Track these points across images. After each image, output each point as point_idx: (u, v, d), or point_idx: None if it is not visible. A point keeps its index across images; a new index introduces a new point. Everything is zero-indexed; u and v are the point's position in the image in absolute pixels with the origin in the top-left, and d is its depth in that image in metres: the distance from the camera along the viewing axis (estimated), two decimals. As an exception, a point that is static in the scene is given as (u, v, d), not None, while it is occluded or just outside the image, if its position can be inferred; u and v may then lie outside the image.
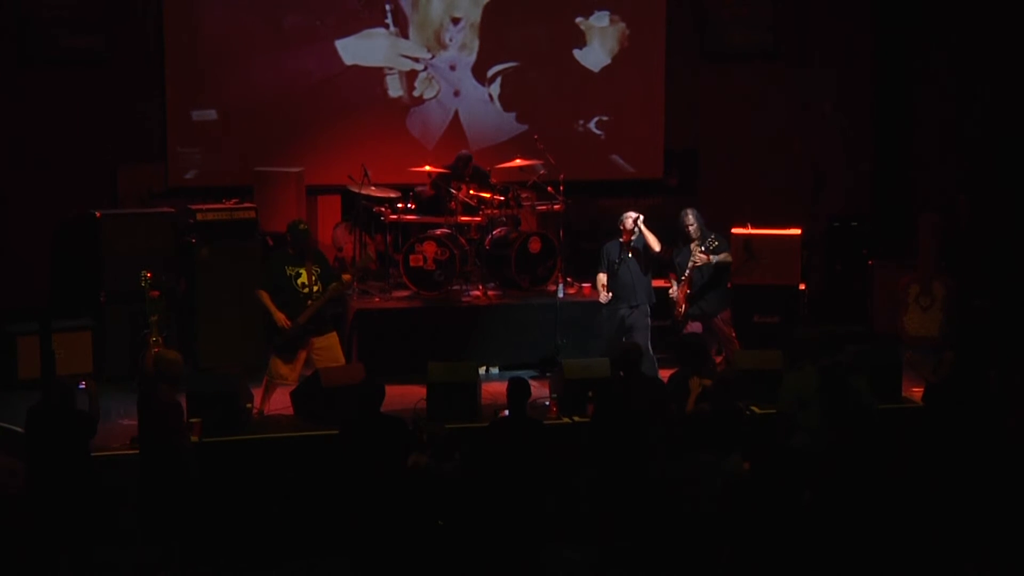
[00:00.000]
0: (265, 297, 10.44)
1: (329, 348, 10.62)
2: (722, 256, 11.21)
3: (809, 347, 9.26)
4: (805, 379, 9.02)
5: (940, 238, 13.05)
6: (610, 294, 11.06)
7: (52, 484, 8.21)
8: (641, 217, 11.05)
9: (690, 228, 11.19)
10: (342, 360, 10.75)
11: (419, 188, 12.83)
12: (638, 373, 9.10)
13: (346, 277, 10.75)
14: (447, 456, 8.56)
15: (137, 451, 8.82)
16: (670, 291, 11.22)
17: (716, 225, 11.69)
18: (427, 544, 8.31)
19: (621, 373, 9.21)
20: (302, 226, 10.71)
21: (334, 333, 10.76)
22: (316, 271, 10.55)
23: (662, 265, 11.47)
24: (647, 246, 11.03)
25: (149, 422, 8.58)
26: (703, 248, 11.08)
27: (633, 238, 11.04)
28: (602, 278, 11.14)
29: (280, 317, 10.38)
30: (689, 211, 11.29)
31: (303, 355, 10.58)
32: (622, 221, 11.10)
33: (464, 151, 12.94)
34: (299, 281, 10.48)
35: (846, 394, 8.73)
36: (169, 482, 8.36)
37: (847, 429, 8.58)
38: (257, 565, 9.00)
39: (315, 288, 10.48)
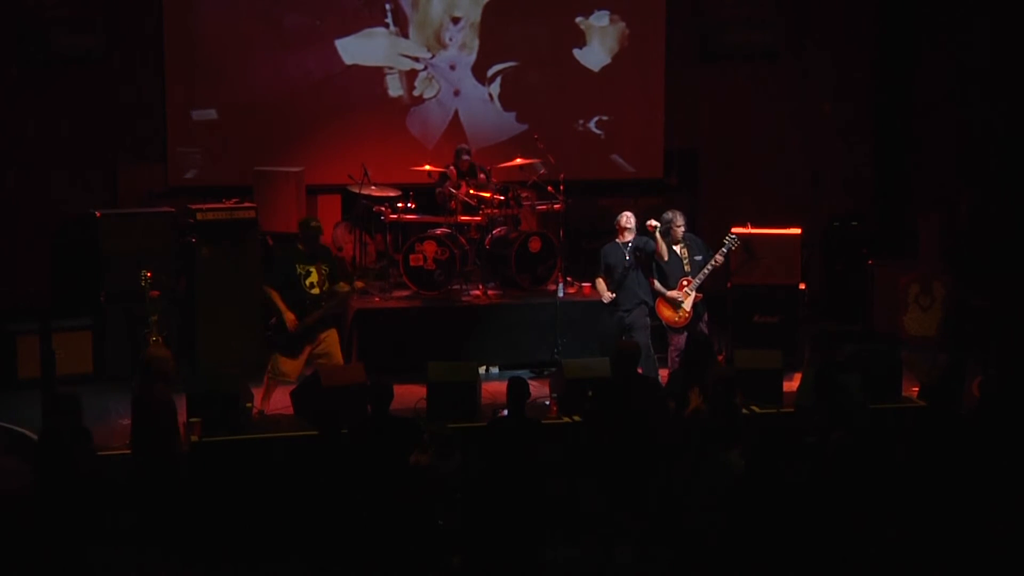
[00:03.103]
0: (275, 295, 10.43)
1: (329, 345, 10.63)
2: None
3: (829, 343, 9.30)
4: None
5: (940, 238, 13.05)
6: (613, 294, 11.03)
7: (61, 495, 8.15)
8: (660, 226, 10.96)
9: (679, 229, 11.14)
10: (339, 357, 10.74)
11: (438, 190, 12.80)
12: (635, 373, 9.07)
13: (359, 283, 10.78)
14: (447, 456, 8.56)
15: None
16: (675, 298, 11.08)
17: (716, 225, 11.70)
18: (427, 544, 8.31)
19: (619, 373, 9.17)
20: (314, 223, 10.71)
21: (334, 330, 10.76)
22: (325, 270, 10.56)
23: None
24: (657, 254, 10.98)
25: (144, 422, 8.57)
26: (714, 259, 11.07)
27: (632, 241, 10.99)
28: (601, 283, 11.11)
29: (290, 317, 10.37)
30: (677, 212, 11.23)
31: (307, 353, 10.58)
32: (617, 221, 11.07)
33: (462, 144, 12.95)
34: (308, 280, 10.48)
35: (836, 393, 8.74)
36: (161, 482, 8.35)
37: (841, 427, 8.59)
38: (257, 565, 9.00)
39: (325, 287, 10.50)
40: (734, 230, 11.52)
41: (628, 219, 11.03)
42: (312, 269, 10.50)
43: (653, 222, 10.92)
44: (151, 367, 8.76)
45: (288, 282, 10.45)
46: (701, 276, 11.01)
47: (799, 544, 8.00)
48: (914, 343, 12.69)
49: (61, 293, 13.00)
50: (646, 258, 11.02)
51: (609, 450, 8.60)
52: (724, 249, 11.09)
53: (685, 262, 11.10)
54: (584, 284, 12.53)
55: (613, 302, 11.02)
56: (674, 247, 11.10)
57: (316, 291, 10.48)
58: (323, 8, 13.79)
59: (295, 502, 9.35)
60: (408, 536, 8.26)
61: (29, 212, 13.26)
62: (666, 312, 11.09)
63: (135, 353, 11.38)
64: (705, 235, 11.71)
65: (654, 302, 11.09)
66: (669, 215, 11.13)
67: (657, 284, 11.09)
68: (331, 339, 10.66)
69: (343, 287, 10.65)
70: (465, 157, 12.75)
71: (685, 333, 10.97)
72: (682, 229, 11.12)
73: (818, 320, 12.67)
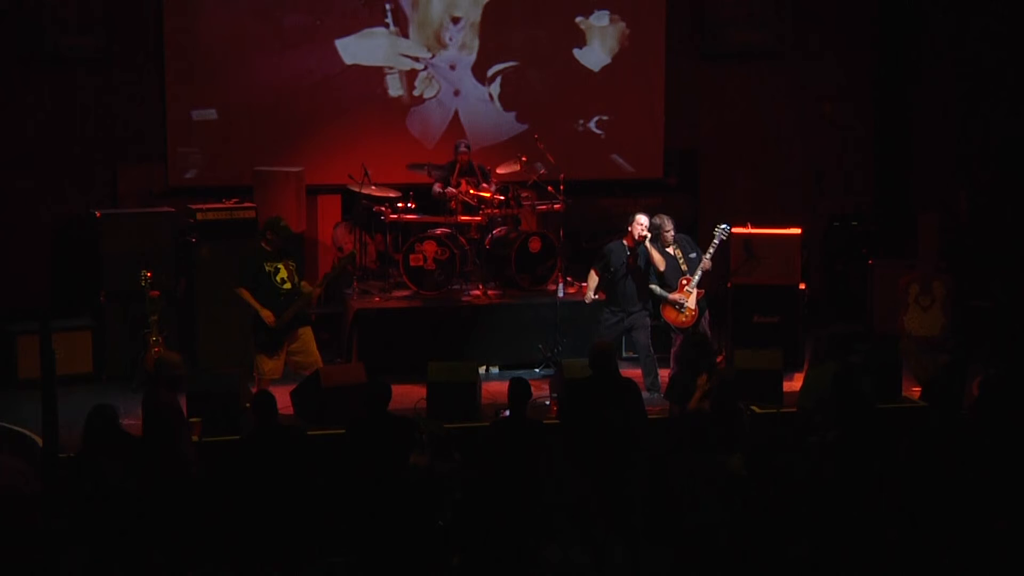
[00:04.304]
0: (247, 295, 10.48)
1: (305, 341, 10.68)
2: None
3: (835, 345, 9.28)
4: (827, 376, 9.03)
5: (940, 238, 13.04)
6: (596, 296, 11.05)
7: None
8: (650, 236, 10.97)
9: (668, 234, 11.12)
10: (316, 354, 10.77)
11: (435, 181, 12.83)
12: (610, 372, 8.99)
13: (317, 291, 10.87)
14: (447, 456, 8.56)
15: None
16: (678, 300, 11.03)
17: (716, 225, 11.70)
18: (427, 544, 8.31)
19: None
20: (283, 223, 10.74)
21: (309, 327, 10.80)
22: (292, 266, 10.66)
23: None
24: (652, 264, 10.98)
25: (151, 424, 8.57)
26: (709, 255, 11.05)
27: (639, 245, 10.98)
28: (593, 277, 11.12)
29: (267, 314, 10.42)
30: (665, 217, 11.21)
31: (285, 349, 10.61)
32: (631, 224, 11.03)
33: (460, 140, 12.95)
34: (278, 277, 10.54)
35: (856, 395, 8.73)
36: (170, 483, 8.36)
37: (855, 428, 8.58)
38: (256, 565, 8.99)
39: (296, 281, 10.57)
40: (734, 230, 11.51)
41: (643, 228, 10.98)
42: (280, 266, 10.58)
43: (644, 232, 10.93)
44: (158, 371, 8.77)
45: (258, 281, 10.50)
46: (700, 273, 11.02)
47: (799, 544, 8.00)
48: (915, 343, 12.66)
49: (61, 293, 13.01)
50: (646, 270, 11.00)
51: (584, 450, 8.54)
52: (716, 240, 11.07)
53: (681, 262, 11.11)
54: (584, 284, 12.51)
55: (613, 304, 11.02)
56: (667, 249, 11.11)
57: (288, 286, 10.56)
58: (323, 8, 13.79)
59: (294, 502, 9.35)
60: (408, 536, 8.27)
61: (29, 212, 13.26)
62: (671, 314, 11.08)
63: (135, 353, 11.43)
64: (705, 235, 11.70)
65: (653, 305, 11.09)
66: (657, 220, 11.14)
67: (658, 289, 11.08)
68: (307, 335, 10.73)
69: (306, 286, 10.71)
70: (464, 149, 12.73)
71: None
72: (671, 233, 11.13)
73: (818, 321, 12.66)
